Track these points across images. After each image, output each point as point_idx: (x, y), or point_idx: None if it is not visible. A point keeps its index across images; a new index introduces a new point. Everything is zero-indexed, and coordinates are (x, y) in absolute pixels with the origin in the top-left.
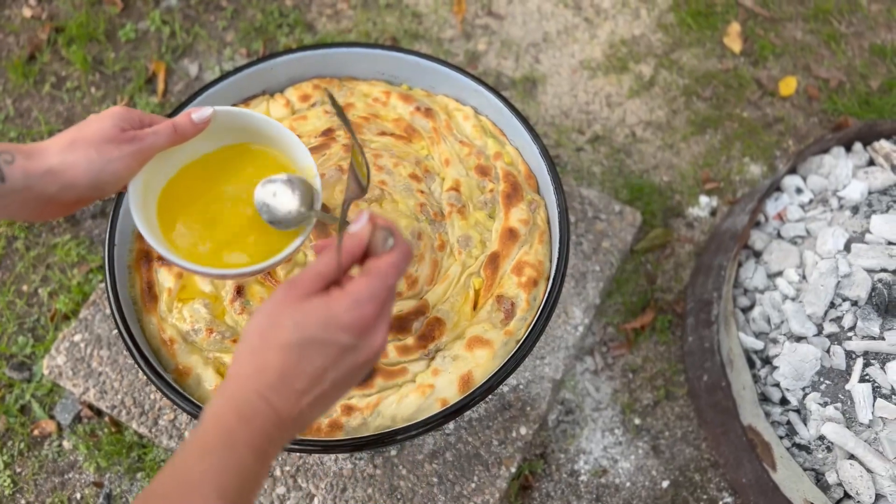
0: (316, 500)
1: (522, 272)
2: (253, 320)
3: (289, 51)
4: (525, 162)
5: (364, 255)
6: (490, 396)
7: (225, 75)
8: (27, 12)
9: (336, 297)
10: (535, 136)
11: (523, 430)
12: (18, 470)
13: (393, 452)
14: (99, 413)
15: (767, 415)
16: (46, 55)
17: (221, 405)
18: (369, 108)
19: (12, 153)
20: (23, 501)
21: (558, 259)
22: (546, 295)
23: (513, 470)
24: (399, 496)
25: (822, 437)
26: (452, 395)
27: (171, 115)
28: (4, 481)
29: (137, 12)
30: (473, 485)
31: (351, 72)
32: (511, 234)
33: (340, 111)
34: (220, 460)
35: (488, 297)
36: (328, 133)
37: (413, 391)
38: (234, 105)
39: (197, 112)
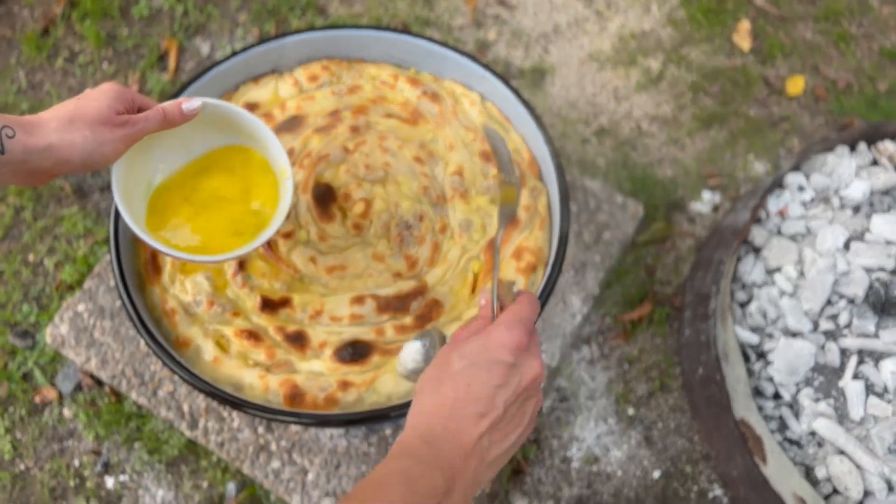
0: (310, 475)
1: (522, 257)
2: (425, 372)
3: (299, 31)
4: (529, 149)
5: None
6: None
7: (235, 53)
8: None
9: (490, 328)
10: (540, 124)
11: None
12: (19, 436)
13: (388, 432)
14: (99, 383)
15: (760, 409)
16: (60, 29)
17: (407, 435)
18: (377, 91)
19: (13, 128)
20: (22, 466)
21: (558, 246)
22: (544, 281)
23: None
24: None
25: (813, 433)
26: None
27: (177, 94)
28: (5, 446)
29: None
30: None
31: (360, 54)
32: (512, 220)
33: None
34: (404, 463)
35: (487, 280)
36: (335, 114)
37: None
38: (243, 82)
39: (188, 102)
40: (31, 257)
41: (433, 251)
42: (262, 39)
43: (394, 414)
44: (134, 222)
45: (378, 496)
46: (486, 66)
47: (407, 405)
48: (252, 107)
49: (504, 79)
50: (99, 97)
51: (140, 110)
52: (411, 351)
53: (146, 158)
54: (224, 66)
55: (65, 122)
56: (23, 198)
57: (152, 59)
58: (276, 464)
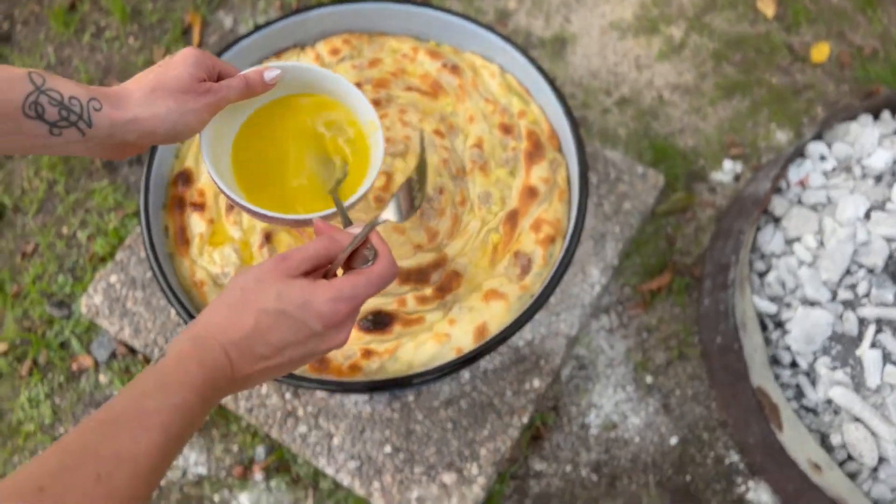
0: (335, 439)
1: (540, 229)
2: (239, 277)
3: (321, 5)
4: (549, 121)
5: (348, 260)
6: (504, 349)
7: (258, 28)
8: None
9: (321, 286)
10: (560, 96)
11: (536, 383)
12: (58, 401)
13: (410, 398)
14: (133, 351)
15: (777, 377)
16: (87, 5)
17: (186, 348)
18: (397, 64)
19: (100, 101)
20: (62, 430)
21: (576, 217)
22: (562, 252)
23: (525, 420)
24: (415, 439)
25: (829, 401)
26: (467, 344)
27: None
28: (46, 411)
29: None
30: (486, 432)
31: (381, 27)
32: (531, 192)
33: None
34: (173, 399)
35: (506, 252)
36: (356, 87)
37: (430, 339)
38: (266, 57)
39: (269, 71)
40: (64, 230)
41: (453, 223)
42: (285, 14)
43: (415, 381)
44: (230, 190)
45: (139, 438)
46: (505, 38)
47: (428, 372)
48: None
49: (523, 50)
50: (179, 65)
51: (220, 76)
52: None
53: (228, 125)
54: (247, 40)
55: (147, 93)
56: (55, 172)
57: (176, 33)
58: (303, 428)
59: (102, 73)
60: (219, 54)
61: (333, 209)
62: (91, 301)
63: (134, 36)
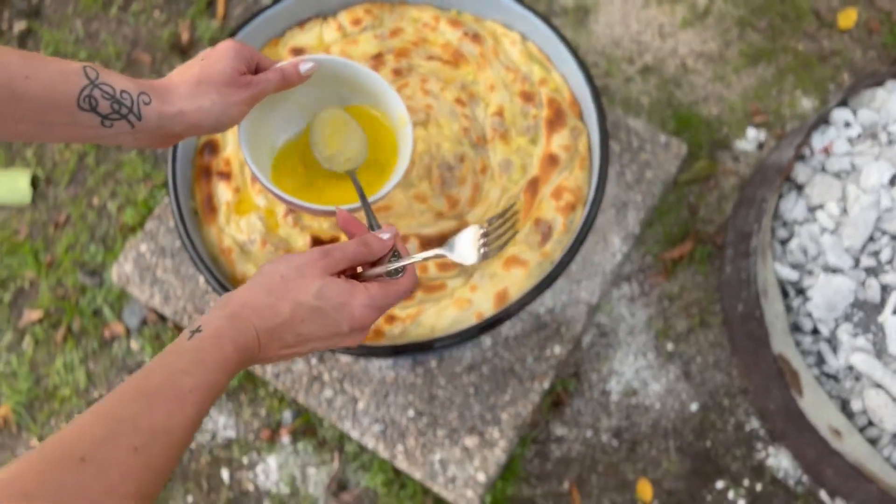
0: (360, 403)
1: (561, 197)
2: (280, 263)
3: None
4: (570, 89)
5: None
6: (525, 315)
7: None
8: None
9: (359, 290)
10: (581, 64)
11: (557, 350)
12: (92, 366)
13: (433, 364)
14: (162, 318)
15: (798, 344)
16: None
17: (224, 326)
18: (418, 33)
19: (149, 94)
20: (96, 394)
21: (597, 185)
22: (582, 220)
23: (546, 386)
24: (437, 403)
25: (850, 367)
26: (488, 310)
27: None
28: (80, 376)
29: None
30: (507, 397)
31: None
32: (551, 160)
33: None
34: (209, 378)
35: (526, 219)
36: (378, 57)
37: (451, 304)
38: (289, 27)
39: (304, 64)
40: (95, 201)
41: (474, 191)
42: None
43: (437, 345)
44: (265, 178)
45: (175, 413)
46: (527, 6)
47: (449, 337)
48: (298, 51)
49: (545, 17)
50: (222, 58)
51: (258, 67)
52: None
53: (267, 117)
54: (270, 11)
55: (193, 87)
56: (85, 144)
57: (201, 5)
58: (328, 393)
59: (130, 45)
60: (243, 25)
61: (357, 204)
62: (122, 270)
63: (160, 9)
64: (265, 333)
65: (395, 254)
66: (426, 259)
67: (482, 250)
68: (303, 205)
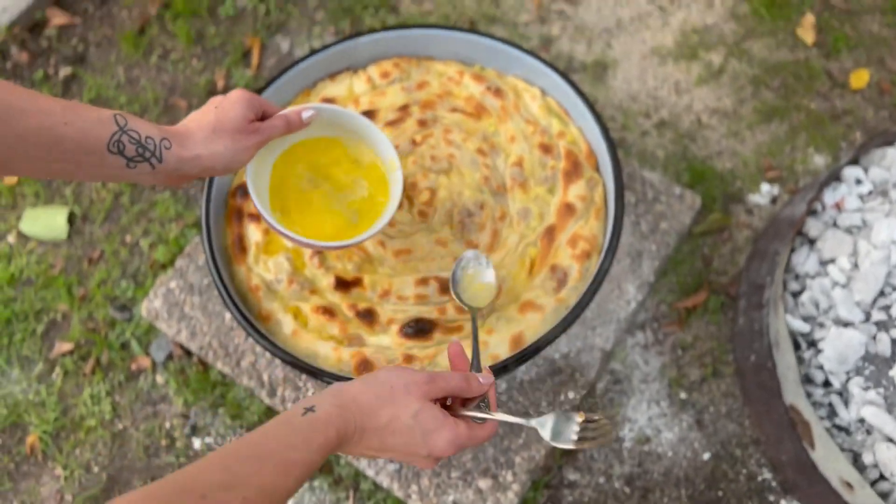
0: None
1: (577, 245)
2: (392, 374)
3: (372, 31)
4: (587, 141)
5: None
6: (540, 360)
7: (313, 52)
8: None
9: (449, 424)
10: (597, 117)
11: (571, 395)
12: (118, 399)
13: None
14: (188, 353)
15: (809, 395)
16: (155, 29)
17: (334, 414)
18: (443, 87)
19: (170, 140)
20: (120, 426)
21: (612, 234)
22: (597, 267)
23: None
24: None
25: (861, 420)
26: (504, 352)
27: (262, 89)
28: (106, 408)
29: None
30: (521, 441)
31: (429, 52)
32: (568, 209)
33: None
34: (312, 458)
35: (543, 266)
36: (404, 108)
37: (468, 347)
38: (321, 79)
39: (305, 111)
40: (128, 238)
41: (493, 237)
42: (339, 39)
43: None
44: (271, 217)
45: (280, 482)
46: (547, 62)
47: None
48: (329, 102)
49: (564, 74)
50: (234, 107)
51: (264, 114)
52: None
53: (269, 157)
54: (304, 64)
55: (209, 133)
56: (121, 184)
57: (237, 55)
58: None
59: (168, 92)
60: (277, 77)
61: (353, 240)
62: (151, 305)
63: (197, 58)
64: (361, 432)
65: (483, 400)
66: (513, 422)
67: (574, 437)
68: (300, 239)
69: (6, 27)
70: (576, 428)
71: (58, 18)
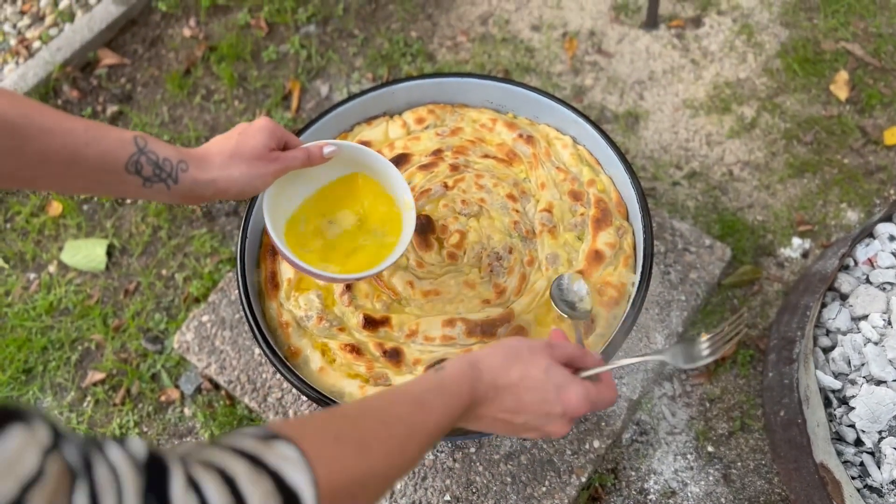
0: (398, 484)
1: (605, 292)
2: (513, 340)
3: (408, 78)
4: (617, 190)
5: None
6: None
7: (351, 97)
8: (187, 32)
9: (578, 381)
10: (628, 166)
11: (596, 444)
12: (146, 429)
13: (472, 449)
14: (217, 387)
15: (840, 454)
16: (199, 70)
17: (466, 370)
18: (476, 133)
19: (187, 162)
20: None
21: (639, 282)
22: (625, 315)
23: (583, 479)
24: (474, 490)
25: (894, 482)
26: None
27: (302, 131)
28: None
29: (280, 36)
30: (544, 488)
31: (463, 99)
32: (597, 256)
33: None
34: (446, 400)
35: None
36: (437, 153)
37: None
38: (357, 123)
39: (327, 147)
40: (164, 272)
41: (521, 281)
42: (375, 85)
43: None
44: (282, 244)
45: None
46: (578, 112)
47: None
48: (365, 145)
49: (595, 124)
50: (256, 135)
51: (286, 146)
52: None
53: (287, 189)
54: (342, 108)
55: (227, 158)
56: (160, 219)
57: (277, 98)
58: None
59: (209, 131)
60: (316, 120)
61: (370, 271)
62: (183, 338)
63: (239, 99)
64: (493, 389)
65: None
66: (636, 362)
67: (706, 352)
68: (314, 271)
69: (59, 65)
70: (705, 344)
71: (108, 59)
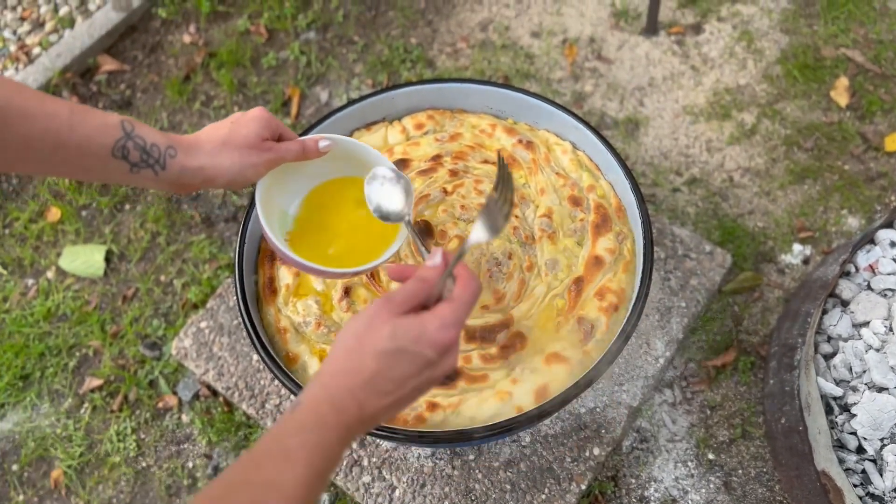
0: (397, 491)
1: (604, 297)
2: (351, 324)
3: (407, 83)
4: (617, 196)
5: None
6: (566, 415)
7: (351, 102)
8: (186, 38)
9: (428, 317)
10: (628, 172)
11: (596, 451)
12: (143, 436)
13: (471, 456)
14: (215, 393)
15: (842, 461)
16: (199, 76)
17: (317, 393)
18: (475, 139)
19: (176, 148)
20: (144, 464)
21: (639, 288)
22: (625, 321)
23: (583, 487)
24: (473, 497)
25: None
26: (528, 404)
27: (300, 135)
28: (131, 445)
29: (280, 42)
30: (544, 496)
31: (462, 105)
32: (597, 262)
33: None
34: (312, 438)
35: (570, 317)
36: (436, 158)
37: (492, 396)
38: (357, 128)
39: (323, 141)
40: (162, 278)
41: (520, 287)
42: (375, 91)
43: (477, 435)
44: (274, 236)
45: (285, 470)
46: (578, 117)
47: (488, 427)
48: None
49: (595, 129)
50: (250, 123)
51: (281, 138)
52: (370, 191)
53: (282, 184)
54: (341, 113)
55: (217, 145)
56: (159, 224)
57: (277, 104)
58: (366, 478)
59: None
60: (315, 125)
61: (368, 265)
62: (181, 344)
63: (239, 105)
64: (360, 390)
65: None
66: (461, 256)
67: (504, 220)
68: (313, 267)
69: (59, 71)
70: (502, 208)
71: (108, 65)
